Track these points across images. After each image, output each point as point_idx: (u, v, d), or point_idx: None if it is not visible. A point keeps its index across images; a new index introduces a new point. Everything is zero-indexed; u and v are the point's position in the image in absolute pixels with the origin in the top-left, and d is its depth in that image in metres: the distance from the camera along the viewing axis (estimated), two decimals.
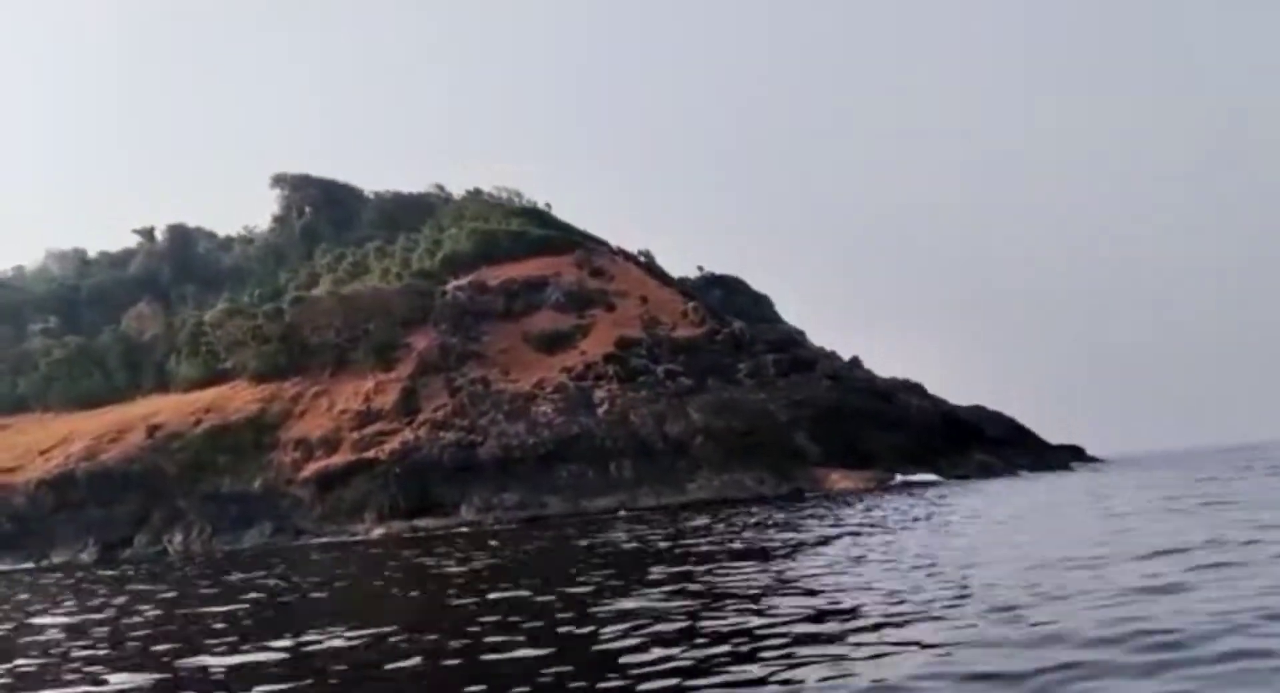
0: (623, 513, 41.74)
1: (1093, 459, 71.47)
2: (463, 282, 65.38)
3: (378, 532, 47.11)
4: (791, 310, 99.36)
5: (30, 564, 51.37)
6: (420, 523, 46.89)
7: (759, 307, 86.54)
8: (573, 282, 67.11)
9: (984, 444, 58.14)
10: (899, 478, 46.92)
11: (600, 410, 55.05)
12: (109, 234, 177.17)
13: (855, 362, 69.62)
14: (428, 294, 63.30)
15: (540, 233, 73.13)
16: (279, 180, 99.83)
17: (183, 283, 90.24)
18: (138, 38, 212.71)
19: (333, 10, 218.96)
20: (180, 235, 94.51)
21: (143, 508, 55.08)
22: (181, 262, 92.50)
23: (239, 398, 60.76)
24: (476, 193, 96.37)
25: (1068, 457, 66.55)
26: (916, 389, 62.49)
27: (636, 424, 53.35)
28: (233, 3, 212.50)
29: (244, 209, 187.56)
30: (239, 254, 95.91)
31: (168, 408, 61.52)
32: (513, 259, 69.45)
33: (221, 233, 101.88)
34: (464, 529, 43.50)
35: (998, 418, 66.99)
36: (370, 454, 53.22)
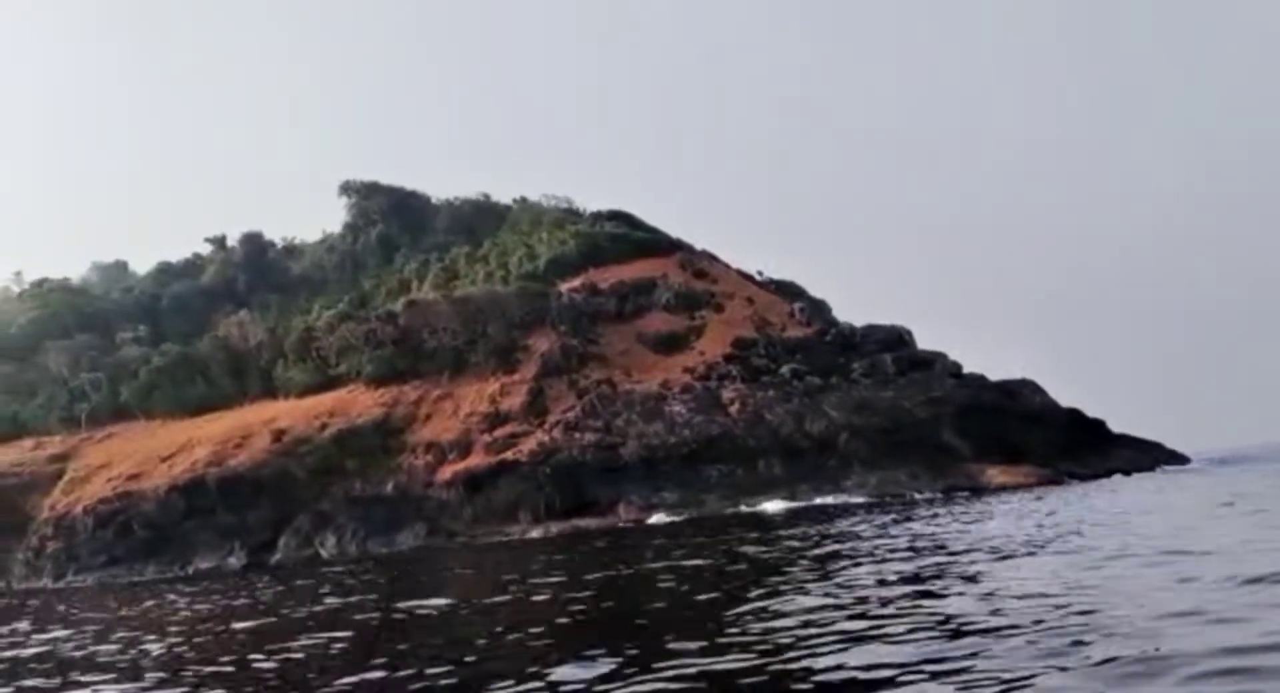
0: (775, 507, 41.45)
1: (1180, 456, 71.31)
2: (575, 284, 65.17)
3: (535, 532, 46.74)
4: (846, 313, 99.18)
5: (175, 572, 50.99)
6: (580, 523, 46.49)
7: (820, 311, 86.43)
8: (679, 283, 67.00)
9: (1111, 442, 58.06)
10: (1066, 476, 46.69)
11: (732, 410, 54.86)
12: (162, 243, 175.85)
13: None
14: (541, 296, 63.00)
15: (640, 236, 73.05)
16: (347, 188, 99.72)
17: (259, 290, 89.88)
18: (185, 50, 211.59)
19: (366, 21, 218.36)
20: (254, 243, 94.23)
21: (277, 513, 54.63)
22: (257, 269, 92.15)
23: (360, 402, 60.35)
24: (523, 201, 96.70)
25: (1166, 454, 66.41)
26: (1033, 386, 62.29)
27: (774, 423, 53.15)
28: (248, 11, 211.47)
29: (303, 216, 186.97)
30: (310, 261, 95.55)
31: (286, 413, 61.04)
32: (616, 262, 69.34)
33: (285, 239, 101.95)
34: (628, 527, 43.23)
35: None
36: (508, 456, 52.86)
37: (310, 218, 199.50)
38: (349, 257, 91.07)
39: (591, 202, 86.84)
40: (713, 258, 74.19)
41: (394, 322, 63.19)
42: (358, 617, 14.85)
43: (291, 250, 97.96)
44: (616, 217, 78.33)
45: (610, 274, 67.63)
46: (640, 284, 66.36)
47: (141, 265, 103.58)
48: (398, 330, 62.76)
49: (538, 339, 61.13)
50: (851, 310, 66.75)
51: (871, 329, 65.22)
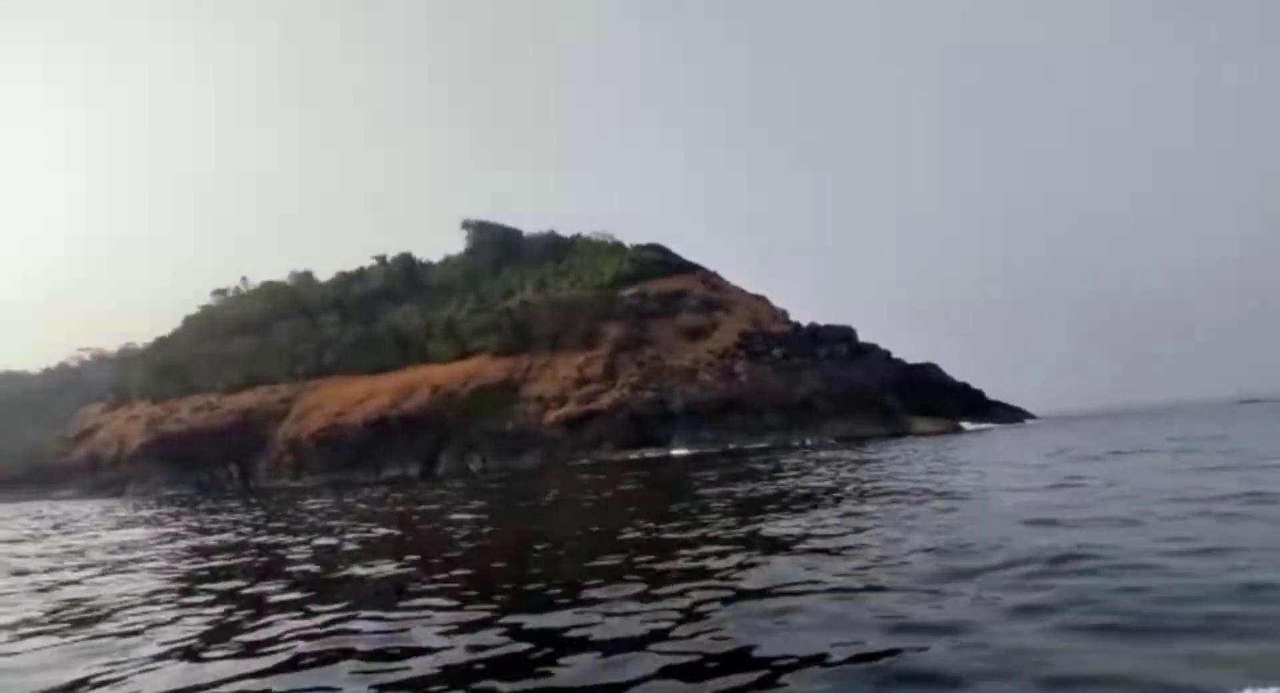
0: (808, 442, 42.26)
1: (1030, 416, 71.78)
2: (632, 291, 65.47)
3: (616, 457, 47.45)
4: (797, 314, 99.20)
5: (371, 477, 51.64)
6: (646, 452, 47.21)
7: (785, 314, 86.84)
8: (701, 294, 67.32)
9: (989, 405, 58.89)
10: (967, 426, 47.47)
11: (743, 379, 55.56)
12: (334, 256, 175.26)
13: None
14: (610, 300, 63.37)
15: (673, 261, 73.29)
16: (466, 225, 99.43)
17: (409, 292, 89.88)
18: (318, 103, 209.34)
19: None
20: (406, 260, 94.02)
21: (436, 441, 55.31)
22: (408, 278, 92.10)
23: (489, 369, 60.85)
24: (582, 237, 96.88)
25: (1024, 414, 67.12)
26: (935, 367, 62.97)
27: (773, 389, 53.83)
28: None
29: (427, 241, 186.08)
30: (441, 274, 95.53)
31: (438, 375, 61.51)
32: (658, 278, 69.58)
33: (422, 258, 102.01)
34: (679, 455, 43.96)
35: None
36: (593, 406, 53.53)
37: (433, 243, 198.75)
38: (470, 271, 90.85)
39: (627, 234, 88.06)
40: (719, 277, 74.36)
41: (510, 314, 63.56)
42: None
43: (429, 266, 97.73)
44: (653, 247, 78.45)
45: (655, 286, 67.85)
46: (675, 293, 66.65)
47: (323, 274, 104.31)
48: (513, 320, 63.08)
49: (609, 328, 61.55)
50: (800, 311, 66.93)
51: (829, 328, 65.56)
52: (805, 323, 65.48)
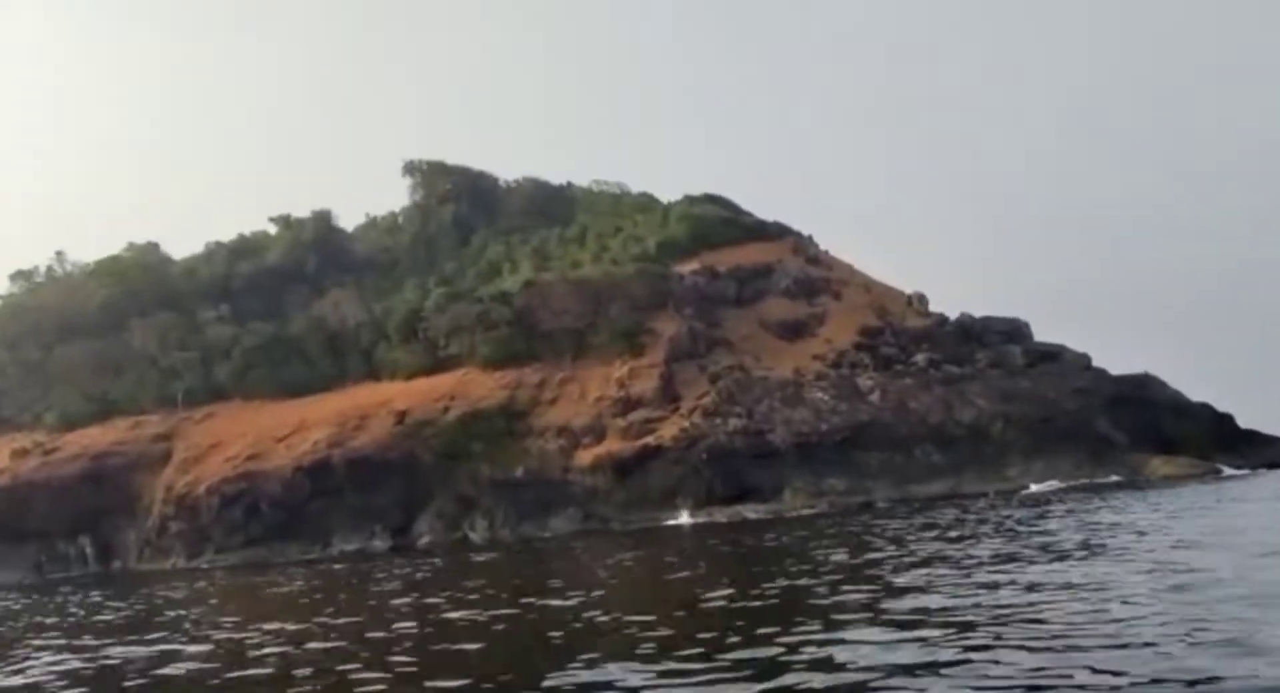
0: (996, 494, 41.88)
1: None
2: (692, 267, 65.31)
3: (695, 519, 46.98)
4: None
5: (318, 552, 51.01)
6: (744, 509, 46.77)
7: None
8: (796, 270, 67.28)
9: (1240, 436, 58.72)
10: (1226, 471, 47.27)
11: (873, 398, 55.32)
12: (193, 223, 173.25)
13: None
14: (662, 279, 63.10)
15: (750, 221, 73.31)
16: (411, 168, 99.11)
17: (329, 271, 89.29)
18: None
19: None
20: (323, 222, 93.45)
21: (407, 494, 54.71)
22: (326, 250, 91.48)
23: (479, 385, 60.35)
24: (575, 188, 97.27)
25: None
26: (1158, 381, 62.88)
27: (921, 411, 53.62)
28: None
29: (351, 196, 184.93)
30: (376, 242, 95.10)
31: (401, 395, 60.98)
32: (728, 245, 69.53)
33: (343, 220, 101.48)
34: (802, 515, 43.52)
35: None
36: (650, 441, 53.04)
37: (359, 198, 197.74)
38: (421, 238, 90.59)
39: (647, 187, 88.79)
40: (817, 245, 74.33)
41: (509, 303, 63.11)
42: None
43: (359, 231, 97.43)
44: (714, 200, 78.31)
45: (724, 258, 67.77)
46: (757, 269, 66.61)
47: (182, 244, 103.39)
48: (514, 312, 62.66)
49: (661, 323, 61.24)
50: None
51: (990, 321, 65.55)
52: (941, 311, 65.83)
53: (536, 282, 64.04)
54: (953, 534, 21.38)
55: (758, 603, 12.61)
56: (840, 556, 18.42)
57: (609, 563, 24.39)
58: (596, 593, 16.25)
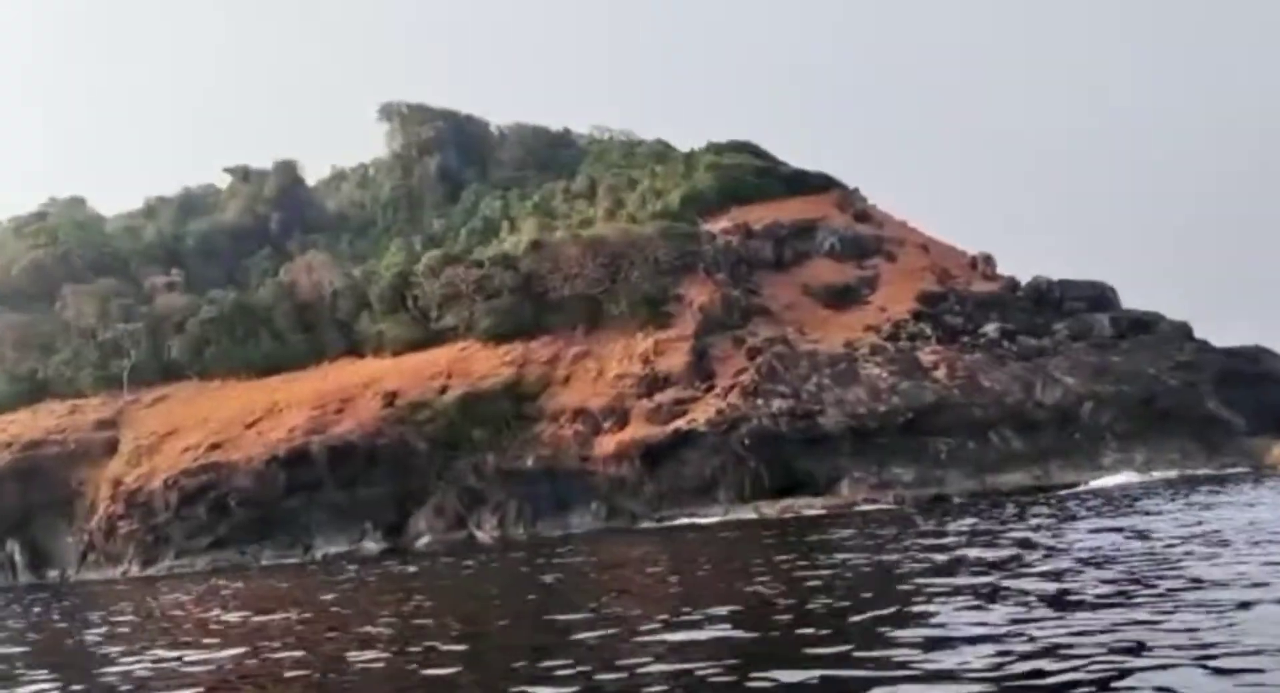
0: (1092, 486, 42.00)
1: None
2: (724, 225, 65.20)
3: (741, 514, 47.05)
4: None
5: (299, 556, 51.11)
6: (796, 503, 46.82)
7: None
8: (842, 227, 67.23)
9: None
10: None
11: (938, 374, 55.22)
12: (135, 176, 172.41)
13: None
14: (690, 238, 62.99)
15: (787, 171, 73.13)
16: (389, 111, 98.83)
17: (296, 231, 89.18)
18: None
19: None
20: (288, 175, 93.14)
21: (399, 488, 54.76)
22: (292, 206, 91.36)
23: (480, 361, 60.37)
24: (575, 136, 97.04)
25: None
26: (1270, 353, 62.83)
27: (997, 390, 53.58)
28: None
29: (319, 144, 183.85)
30: (349, 198, 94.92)
31: (390, 374, 61.03)
32: (763, 200, 69.43)
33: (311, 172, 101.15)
34: (865, 510, 43.56)
35: None
36: (681, 425, 53.03)
37: (328, 147, 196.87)
38: (401, 193, 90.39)
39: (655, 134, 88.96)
40: (864, 199, 74.23)
41: (513, 267, 63.01)
42: None
43: (328, 184, 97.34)
44: (742, 148, 78.06)
45: (759, 214, 67.70)
46: (798, 227, 66.59)
47: (106, 203, 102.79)
48: (519, 277, 62.55)
49: (691, 288, 61.24)
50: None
51: (1068, 284, 65.52)
52: (1012, 275, 65.98)
53: (544, 242, 63.76)
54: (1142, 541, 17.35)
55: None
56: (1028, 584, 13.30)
57: (630, 571, 24.27)
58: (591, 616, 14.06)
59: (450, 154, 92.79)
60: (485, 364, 60.06)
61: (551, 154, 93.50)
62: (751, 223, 66.09)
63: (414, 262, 68.49)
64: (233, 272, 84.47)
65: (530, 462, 54.64)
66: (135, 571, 53.03)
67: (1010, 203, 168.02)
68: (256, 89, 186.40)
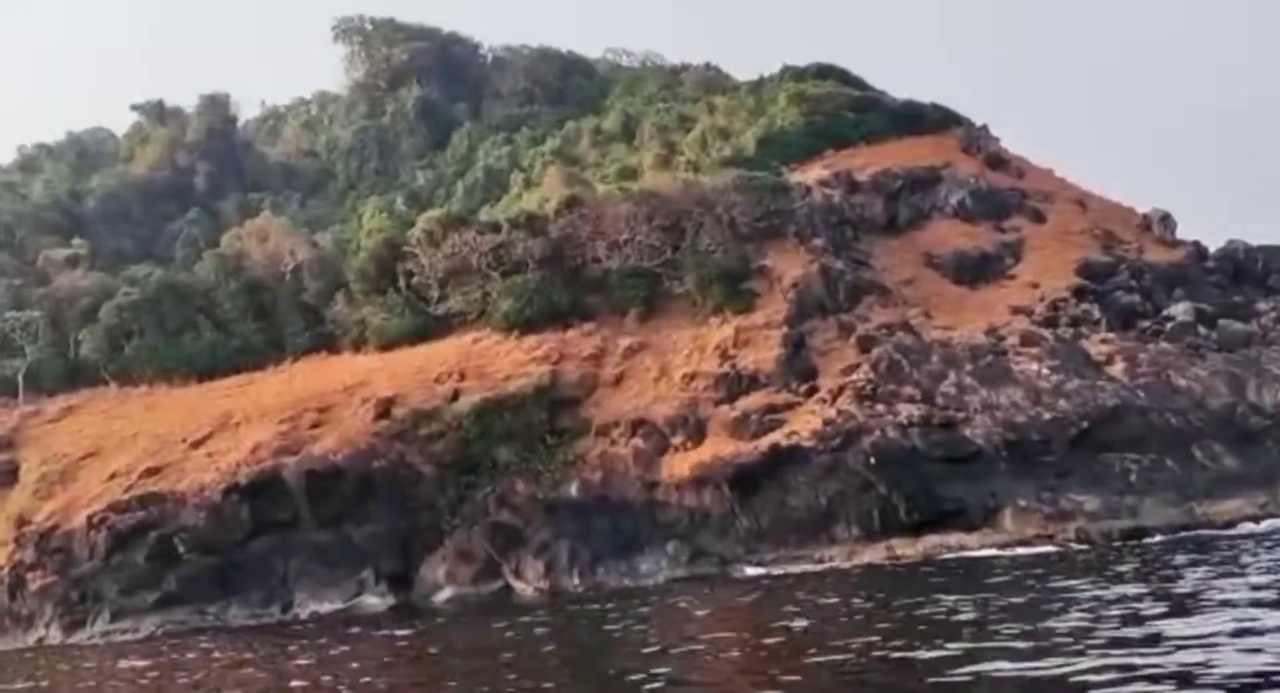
0: None
1: None
2: (818, 174, 64.93)
3: (868, 554, 46.50)
4: None
5: (276, 614, 50.53)
6: (948, 541, 46.23)
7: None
8: (972, 177, 66.97)
9: None
10: None
11: (1114, 370, 54.88)
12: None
13: None
14: (779, 192, 62.44)
15: (891, 106, 72.82)
16: (348, 30, 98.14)
17: (229, 187, 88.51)
18: None
19: None
20: (218, 112, 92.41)
21: (397, 525, 54.17)
22: (224, 155, 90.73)
23: (501, 358, 59.86)
24: (585, 60, 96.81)
25: None
26: None
27: (1198, 391, 53.19)
28: None
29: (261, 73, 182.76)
30: (300, 143, 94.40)
31: (381, 375, 60.54)
32: (864, 142, 69.35)
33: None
34: (1040, 550, 43.02)
35: None
36: (780, 440, 52.32)
37: (268, 77, 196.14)
38: (370, 137, 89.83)
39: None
40: (995, 140, 74.08)
41: (541, 232, 62.52)
42: None
43: (266, 121, 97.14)
44: (827, 74, 77.75)
45: (862, 160, 67.65)
46: (915, 178, 66.58)
47: None
48: (548, 245, 62.15)
49: (779, 259, 60.91)
50: None
51: (1272, 253, 65.36)
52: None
53: (582, 200, 63.28)
54: None
55: None
56: None
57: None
58: None
59: (433, 85, 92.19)
60: (507, 361, 59.41)
61: (564, 85, 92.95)
62: (853, 172, 65.58)
63: (403, 227, 67.72)
64: (149, 242, 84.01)
65: (574, 489, 53.95)
66: (56, 636, 52.19)
67: (1174, 152, 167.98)
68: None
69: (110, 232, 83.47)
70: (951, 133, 71.32)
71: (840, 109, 71.40)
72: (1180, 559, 32.09)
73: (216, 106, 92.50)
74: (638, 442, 54.76)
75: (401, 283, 64.91)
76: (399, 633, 37.87)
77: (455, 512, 54.72)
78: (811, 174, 65.54)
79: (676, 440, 54.41)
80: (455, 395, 57.74)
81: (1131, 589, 25.32)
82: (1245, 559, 30.02)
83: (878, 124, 70.75)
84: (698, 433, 54.53)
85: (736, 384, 55.90)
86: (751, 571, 47.59)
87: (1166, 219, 66.84)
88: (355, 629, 40.58)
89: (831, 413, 53.33)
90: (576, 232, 62.24)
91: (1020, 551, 43.33)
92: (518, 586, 49.96)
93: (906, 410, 52.62)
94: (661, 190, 63.31)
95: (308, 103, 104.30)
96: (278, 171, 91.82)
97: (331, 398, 59.55)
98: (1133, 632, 18.00)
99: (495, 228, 63.66)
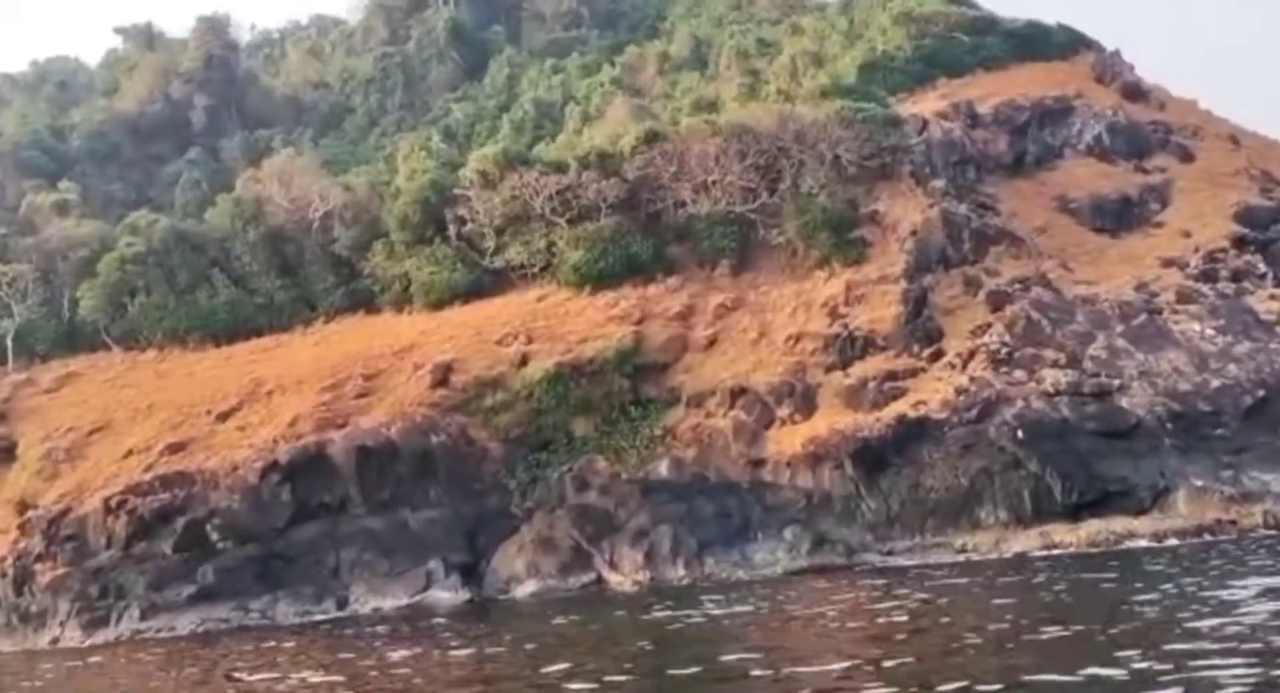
0: None
1: None
2: (939, 105, 64.44)
3: (1020, 542, 46.28)
4: None
5: (333, 610, 50.47)
6: (1114, 526, 46.06)
7: None
8: (1109, 109, 66.75)
9: None
10: None
11: None
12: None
13: None
14: (885, 126, 61.88)
15: (1008, 27, 72.49)
16: None
17: (229, 122, 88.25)
18: None
19: None
20: (215, 39, 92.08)
21: (469, 508, 54.16)
22: (224, 87, 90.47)
23: (573, 318, 59.70)
24: None
25: None
26: None
27: None
28: None
29: None
30: (307, 75, 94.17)
31: (436, 336, 60.62)
32: (983, 69, 69.22)
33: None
34: (1222, 540, 42.88)
35: None
36: (907, 411, 52.10)
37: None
38: (394, 64, 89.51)
39: None
40: (1130, 68, 73.92)
41: (614, 172, 62.26)
42: None
43: (269, 55, 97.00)
44: None
45: (981, 89, 67.66)
46: (1044, 110, 66.46)
47: None
48: (623, 188, 61.92)
49: (893, 203, 60.66)
50: None
51: None
52: None
53: (664, 135, 62.79)
54: None
55: None
56: None
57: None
58: None
59: (463, 5, 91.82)
60: (581, 321, 59.21)
61: (615, 6, 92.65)
62: (975, 104, 65.19)
63: (450, 168, 67.33)
64: (143, 186, 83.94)
65: (665, 469, 53.75)
66: (74, 636, 52.11)
67: None
68: None
69: (99, 174, 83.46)
70: (1081, 58, 71.14)
71: (953, 30, 71.08)
72: None
73: (213, 30, 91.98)
74: (738, 413, 54.56)
75: (451, 232, 64.46)
76: (475, 634, 37.31)
77: (526, 494, 54.64)
78: (926, 106, 65.13)
79: (783, 412, 54.29)
80: (524, 360, 57.46)
81: None
82: None
83: (996, 48, 70.51)
84: (806, 403, 54.39)
85: (849, 347, 55.75)
86: (876, 561, 47.56)
87: None
88: (432, 619, 39.74)
89: (963, 380, 53.14)
90: (657, 172, 61.81)
91: (1206, 537, 43.33)
92: (613, 578, 49.70)
93: (1052, 377, 52.42)
94: (753, 124, 62.74)
95: (305, 28, 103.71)
96: (285, 106, 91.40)
97: (378, 363, 59.42)
98: None
99: (561, 168, 63.11)
